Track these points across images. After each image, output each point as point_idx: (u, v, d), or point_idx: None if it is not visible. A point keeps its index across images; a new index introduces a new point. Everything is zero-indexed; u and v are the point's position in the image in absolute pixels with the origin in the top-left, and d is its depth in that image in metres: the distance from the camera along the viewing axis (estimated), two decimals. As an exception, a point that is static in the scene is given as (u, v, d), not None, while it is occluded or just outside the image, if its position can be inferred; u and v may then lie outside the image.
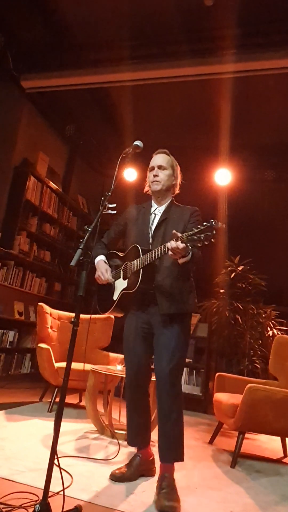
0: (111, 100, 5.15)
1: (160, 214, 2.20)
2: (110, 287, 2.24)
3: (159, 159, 2.22)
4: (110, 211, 1.88)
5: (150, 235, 2.14)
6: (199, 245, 1.71)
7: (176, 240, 1.76)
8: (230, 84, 4.26)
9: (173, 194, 2.27)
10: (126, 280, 2.14)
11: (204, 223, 1.68)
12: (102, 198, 1.89)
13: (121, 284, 2.18)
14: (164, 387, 1.95)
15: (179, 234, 1.76)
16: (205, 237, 1.67)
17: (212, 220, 1.66)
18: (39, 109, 5.21)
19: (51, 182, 5.32)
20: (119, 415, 3.24)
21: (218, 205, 5.58)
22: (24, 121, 4.98)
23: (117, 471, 2.04)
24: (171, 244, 1.78)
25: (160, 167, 2.20)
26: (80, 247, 1.68)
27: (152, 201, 2.28)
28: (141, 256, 2.02)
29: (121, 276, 2.20)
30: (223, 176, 5.44)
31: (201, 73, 4.02)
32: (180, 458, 1.95)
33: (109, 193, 1.91)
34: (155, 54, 4.02)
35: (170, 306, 2.00)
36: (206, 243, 1.69)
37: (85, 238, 1.72)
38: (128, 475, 2.03)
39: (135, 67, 4.09)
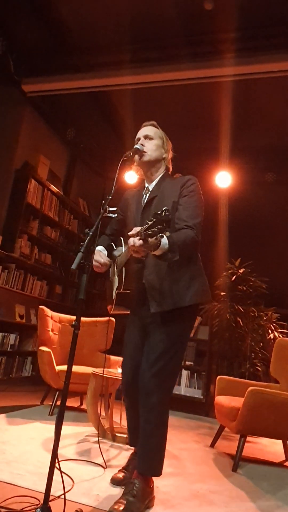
0: (112, 104, 5.17)
1: (149, 193, 1.97)
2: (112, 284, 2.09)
3: (146, 129, 2.04)
4: (110, 215, 1.85)
5: (139, 220, 1.91)
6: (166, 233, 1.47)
7: (135, 236, 1.55)
8: (230, 87, 4.27)
9: (168, 170, 2.03)
10: (118, 278, 1.98)
11: (156, 212, 1.43)
12: (103, 201, 1.86)
13: (115, 282, 2.04)
14: (141, 396, 1.76)
15: (138, 229, 1.55)
16: (159, 230, 1.44)
17: (159, 212, 1.43)
18: (40, 113, 5.23)
19: (52, 185, 5.33)
20: (120, 418, 3.23)
21: (219, 208, 5.59)
22: (25, 125, 4.99)
23: (118, 475, 2.02)
24: (129, 242, 1.59)
25: (146, 137, 2.00)
26: (81, 250, 1.61)
27: (145, 181, 2.05)
28: (123, 251, 1.85)
29: (116, 273, 2.04)
30: (223, 179, 5.44)
31: (201, 76, 4.03)
32: (148, 473, 1.79)
33: (110, 196, 1.88)
34: (156, 57, 4.04)
35: (160, 304, 1.77)
36: (163, 237, 1.51)
37: (86, 241, 1.65)
38: (129, 478, 2.00)
39: (135, 70, 4.10)
